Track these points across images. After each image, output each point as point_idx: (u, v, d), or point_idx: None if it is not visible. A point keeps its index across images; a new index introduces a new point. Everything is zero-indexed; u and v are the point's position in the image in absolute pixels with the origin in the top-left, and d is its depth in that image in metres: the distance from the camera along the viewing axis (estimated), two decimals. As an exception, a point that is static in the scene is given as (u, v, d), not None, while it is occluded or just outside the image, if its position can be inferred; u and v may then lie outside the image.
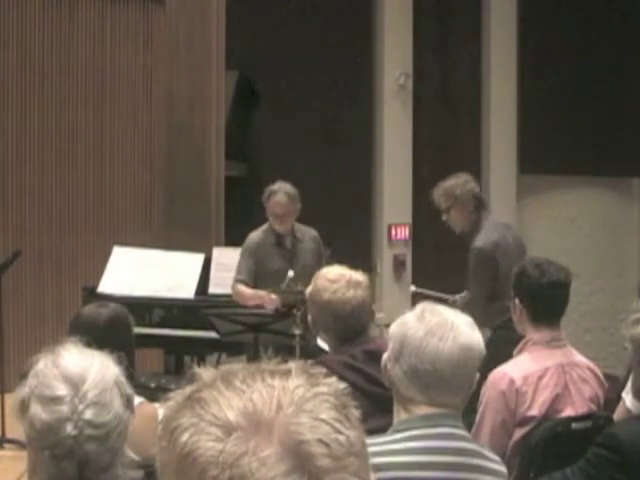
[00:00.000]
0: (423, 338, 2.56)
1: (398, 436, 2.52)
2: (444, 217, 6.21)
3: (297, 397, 1.06)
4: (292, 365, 1.12)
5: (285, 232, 6.50)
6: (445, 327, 2.57)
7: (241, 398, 1.06)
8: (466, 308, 6.15)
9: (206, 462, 1.03)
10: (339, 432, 1.05)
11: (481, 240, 5.92)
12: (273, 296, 6.26)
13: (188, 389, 1.11)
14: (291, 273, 6.19)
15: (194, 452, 1.04)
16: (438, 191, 6.18)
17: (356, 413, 1.11)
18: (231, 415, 1.05)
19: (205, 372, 1.12)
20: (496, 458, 2.68)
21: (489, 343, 5.49)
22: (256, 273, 6.52)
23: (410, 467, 2.44)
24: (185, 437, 1.06)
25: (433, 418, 2.53)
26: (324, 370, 1.13)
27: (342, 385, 1.12)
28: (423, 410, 2.54)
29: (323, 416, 1.06)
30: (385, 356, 2.67)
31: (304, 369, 1.11)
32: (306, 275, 5.94)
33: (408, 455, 2.46)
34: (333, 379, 1.12)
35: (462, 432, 2.58)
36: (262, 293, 6.36)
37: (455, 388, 2.56)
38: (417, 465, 2.46)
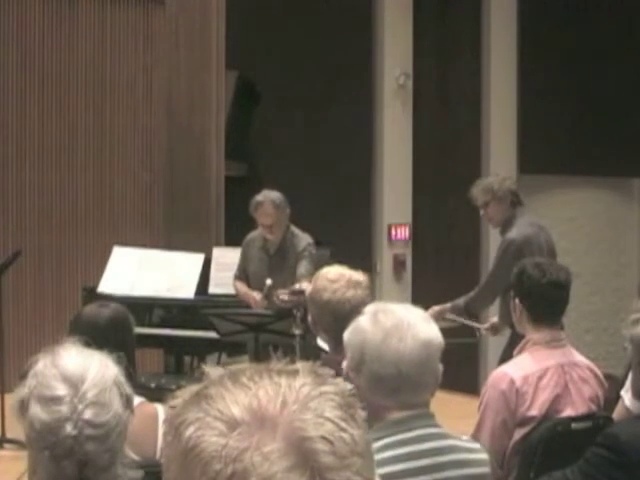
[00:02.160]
0: (382, 342, 2.51)
1: (375, 446, 2.49)
2: (481, 212, 6.30)
3: (302, 395, 1.07)
4: (300, 365, 1.12)
5: (275, 240, 6.51)
6: (402, 327, 2.52)
7: (247, 394, 1.07)
8: (478, 295, 6.20)
9: (209, 456, 1.04)
10: (343, 430, 1.06)
11: (514, 233, 6.05)
12: (258, 298, 6.33)
13: (196, 386, 1.12)
14: (269, 281, 6.21)
15: (198, 446, 1.05)
16: (476, 187, 6.27)
17: (362, 413, 1.11)
18: (236, 410, 1.05)
19: (213, 370, 1.13)
20: (475, 446, 2.65)
21: (509, 341, 5.52)
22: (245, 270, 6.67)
23: (393, 477, 2.41)
24: (190, 431, 1.06)
25: (405, 422, 2.50)
26: (332, 371, 1.14)
27: (349, 386, 1.13)
28: (394, 415, 2.50)
29: (328, 414, 1.06)
30: (345, 366, 2.60)
31: (312, 369, 1.12)
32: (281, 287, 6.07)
33: (388, 465, 2.41)
34: (340, 380, 1.13)
35: (435, 430, 2.55)
36: (251, 294, 6.45)
37: (422, 386, 2.53)
38: (400, 474, 2.43)
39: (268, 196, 6.46)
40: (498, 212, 6.21)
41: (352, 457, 1.05)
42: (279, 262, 6.51)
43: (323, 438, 1.04)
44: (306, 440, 1.03)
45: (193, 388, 1.12)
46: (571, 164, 10.16)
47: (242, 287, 6.66)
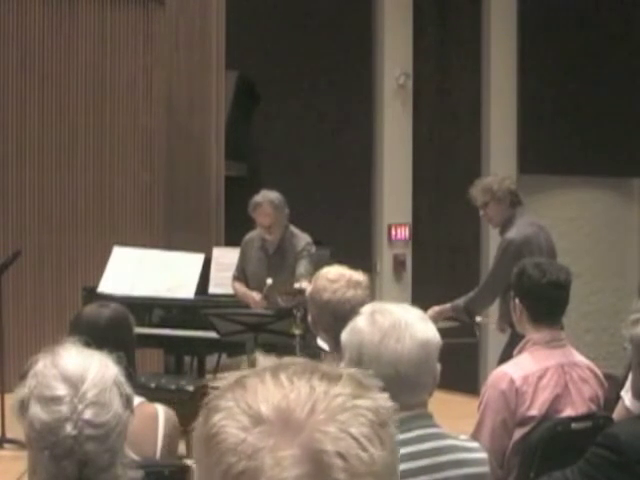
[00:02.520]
0: (380, 342, 2.51)
1: None
2: (481, 213, 6.28)
3: (334, 405, 1.05)
4: (347, 372, 1.11)
5: (274, 240, 6.52)
6: (399, 327, 2.52)
7: (279, 393, 1.06)
8: (478, 295, 6.18)
9: (226, 448, 1.03)
10: (363, 449, 1.03)
11: (513, 233, 6.03)
12: (257, 298, 6.34)
13: (241, 372, 1.11)
14: (269, 281, 6.23)
15: (219, 435, 1.05)
16: (475, 187, 6.25)
17: (393, 433, 1.08)
18: (263, 407, 1.04)
19: (265, 359, 1.13)
20: (474, 446, 2.65)
21: (509, 341, 5.52)
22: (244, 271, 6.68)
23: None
24: (217, 418, 1.06)
25: (404, 422, 2.48)
26: (380, 383, 1.12)
27: (389, 403, 1.10)
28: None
29: (352, 430, 1.04)
30: (342, 367, 2.58)
31: (357, 378, 1.10)
32: (281, 286, 6.07)
33: None
34: (383, 395, 1.10)
35: (434, 430, 2.54)
36: (251, 294, 6.45)
37: (421, 386, 2.52)
38: (401, 474, 2.42)
39: (267, 196, 6.46)
40: (497, 212, 6.20)
41: (366, 477, 1.03)
42: (278, 262, 6.51)
43: (339, 454, 1.02)
44: (322, 453, 1.02)
45: (238, 373, 1.11)
46: (571, 164, 10.16)
47: (241, 287, 6.67)
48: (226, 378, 1.11)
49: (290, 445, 1.02)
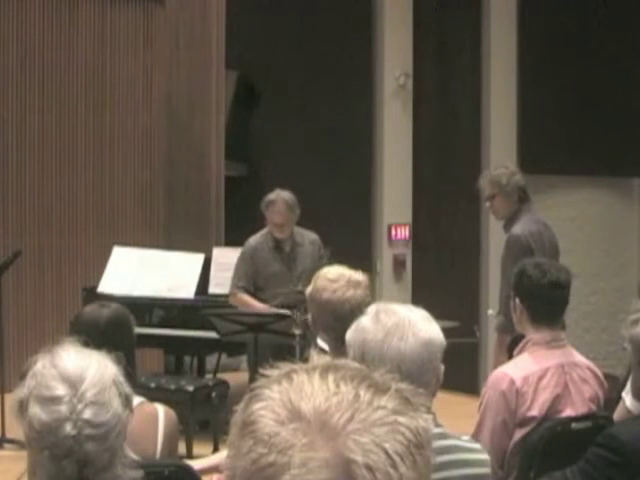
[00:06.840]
0: (383, 340, 2.51)
1: None
2: (487, 204, 6.24)
3: (374, 417, 1.04)
4: (396, 386, 1.09)
5: (286, 238, 6.53)
6: (403, 326, 2.52)
7: (322, 395, 1.05)
8: (504, 299, 6.09)
9: (259, 438, 1.03)
10: (394, 467, 1.02)
11: (518, 228, 5.98)
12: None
13: (292, 366, 1.11)
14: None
15: (255, 424, 1.05)
16: (484, 178, 6.21)
17: (429, 458, 1.07)
18: (304, 405, 1.04)
19: (319, 358, 1.13)
20: (476, 447, 2.65)
21: (510, 341, 5.49)
22: (255, 277, 6.56)
23: None
24: (256, 406, 1.06)
25: None
26: (427, 403, 1.10)
27: (432, 427, 1.08)
28: None
29: (386, 445, 1.02)
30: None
31: (404, 394, 1.08)
32: (305, 278, 5.99)
33: None
34: (427, 416, 1.08)
35: (436, 430, 2.55)
36: (263, 307, 6.35)
37: (423, 385, 2.52)
38: None
39: (281, 195, 6.50)
40: (504, 206, 6.14)
41: None
42: (298, 257, 6.57)
43: (368, 467, 1.00)
44: (351, 463, 1.01)
45: (289, 366, 1.11)
46: (571, 164, 10.16)
47: (253, 302, 6.49)
48: (279, 368, 1.11)
49: (322, 448, 1.01)
